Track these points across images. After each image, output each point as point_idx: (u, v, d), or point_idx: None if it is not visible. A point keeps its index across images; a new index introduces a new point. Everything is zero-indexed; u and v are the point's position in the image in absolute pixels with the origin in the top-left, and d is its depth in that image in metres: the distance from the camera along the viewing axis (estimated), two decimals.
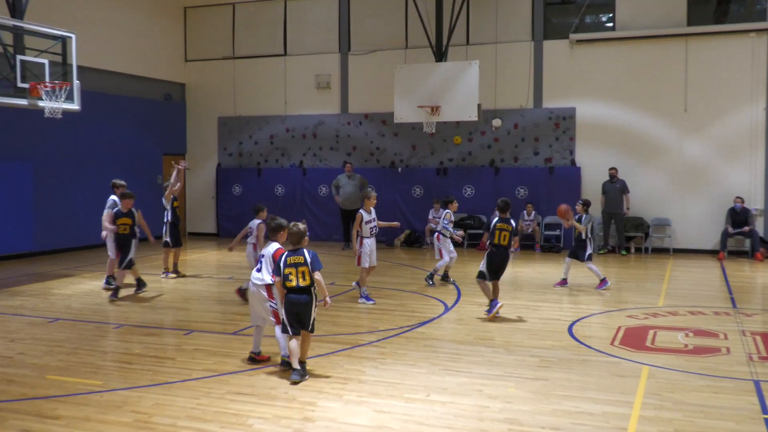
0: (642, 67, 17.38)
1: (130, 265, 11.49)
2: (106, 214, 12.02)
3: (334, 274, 14.12)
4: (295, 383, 6.90)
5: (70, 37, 12.87)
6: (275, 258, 7.29)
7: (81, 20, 16.98)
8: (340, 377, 7.15)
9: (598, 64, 17.76)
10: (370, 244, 11.14)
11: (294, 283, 7.05)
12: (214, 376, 7.20)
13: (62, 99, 12.43)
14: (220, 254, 17.50)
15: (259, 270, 7.52)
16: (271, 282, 7.38)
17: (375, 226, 11.24)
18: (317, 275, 7.07)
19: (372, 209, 11.22)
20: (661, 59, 17.24)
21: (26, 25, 12.25)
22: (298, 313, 7.06)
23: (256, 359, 7.62)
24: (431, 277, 12.51)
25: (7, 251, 15.85)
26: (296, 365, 7.05)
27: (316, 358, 7.83)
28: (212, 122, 21.33)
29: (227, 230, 20.82)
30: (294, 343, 7.11)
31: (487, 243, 10.09)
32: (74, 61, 12.88)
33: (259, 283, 7.50)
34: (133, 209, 11.71)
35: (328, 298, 7.26)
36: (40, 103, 12.28)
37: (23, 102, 12.15)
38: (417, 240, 18.64)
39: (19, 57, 12.04)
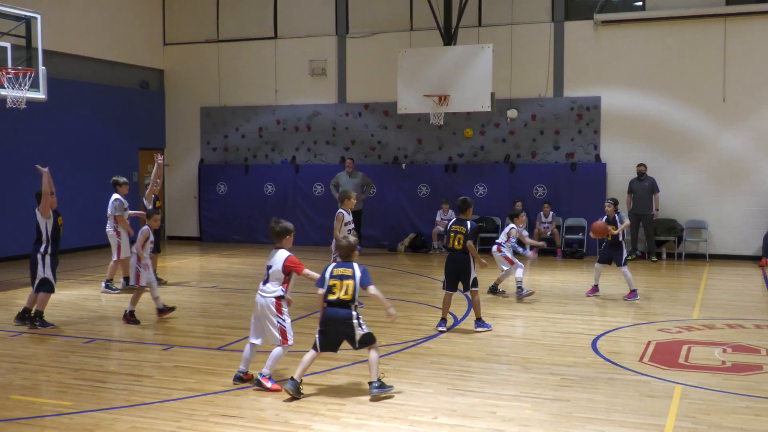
0: (675, 52, 17.43)
1: None
2: (121, 216, 12.50)
3: None
4: (289, 395, 7.09)
5: (35, 18, 12.94)
6: (287, 268, 7.41)
7: None
8: (337, 398, 7.19)
9: (625, 47, 17.80)
10: None
11: (335, 296, 7.21)
12: (197, 396, 7.23)
13: (26, 87, 12.49)
14: (204, 260, 17.56)
15: (265, 282, 7.53)
16: (282, 294, 7.42)
17: (352, 229, 11.58)
18: (372, 289, 7.29)
19: (350, 211, 11.49)
20: (696, 43, 17.28)
21: None
22: (337, 330, 7.24)
23: (243, 379, 7.65)
24: (519, 290, 12.47)
25: None
26: (298, 377, 7.22)
27: (310, 376, 7.86)
28: (194, 113, 21.40)
29: (211, 234, 20.89)
30: (309, 357, 7.28)
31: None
32: (40, 45, 12.95)
33: (267, 295, 7.48)
34: None
35: (391, 310, 7.49)
36: (2, 92, 12.34)
37: None
38: (423, 245, 18.69)
39: None
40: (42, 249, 10.11)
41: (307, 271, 7.48)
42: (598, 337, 9.65)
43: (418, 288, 13.55)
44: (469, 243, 10.01)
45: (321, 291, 7.31)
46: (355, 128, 19.94)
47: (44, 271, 10.14)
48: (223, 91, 21.10)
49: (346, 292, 7.22)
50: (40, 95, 12.99)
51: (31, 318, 10.30)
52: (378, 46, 19.44)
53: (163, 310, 10.82)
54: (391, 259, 17.40)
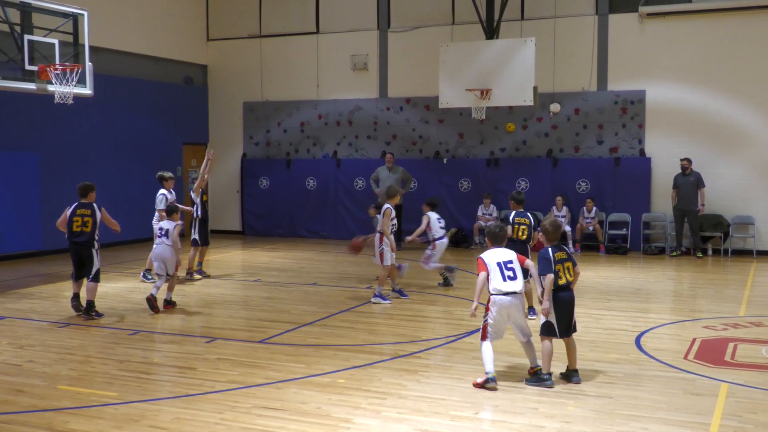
0: (723, 45, 17.12)
1: None
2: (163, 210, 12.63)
3: (372, 277, 14.17)
4: (548, 387, 7.24)
5: (82, 15, 13.13)
6: (520, 263, 7.50)
7: None
8: (378, 391, 7.20)
9: (671, 40, 17.53)
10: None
11: (564, 281, 7.32)
12: (240, 389, 7.31)
13: (73, 83, 12.69)
14: (246, 254, 17.71)
15: (513, 278, 7.37)
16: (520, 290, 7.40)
17: (395, 225, 11.91)
18: (578, 268, 7.55)
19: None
20: (744, 35, 16.95)
21: (34, 2, 12.53)
22: (570, 312, 7.40)
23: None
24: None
25: (12, 250, 16.25)
26: (547, 369, 7.32)
27: (351, 370, 7.90)
28: (237, 108, 21.58)
29: (253, 228, 21.07)
30: (550, 346, 7.35)
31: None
32: (86, 41, 13.15)
33: (519, 291, 7.39)
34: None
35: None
36: (50, 88, 12.54)
37: (32, 86, 12.43)
38: (464, 239, 18.63)
39: (27, 37, 12.32)
40: (96, 241, 10.53)
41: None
42: (642, 333, 9.54)
43: (459, 283, 13.49)
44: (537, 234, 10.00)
45: (550, 276, 7.25)
46: (396, 123, 19.93)
47: (99, 262, 10.56)
48: (265, 86, 21.23)
49: (570, 274, 7.42)
50: (87, 91, 13.18)
51: (88, 309, 10.56)
52: (420, 40, 19.40)
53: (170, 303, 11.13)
54: None
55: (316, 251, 17.52)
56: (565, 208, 17.58)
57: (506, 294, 7.33)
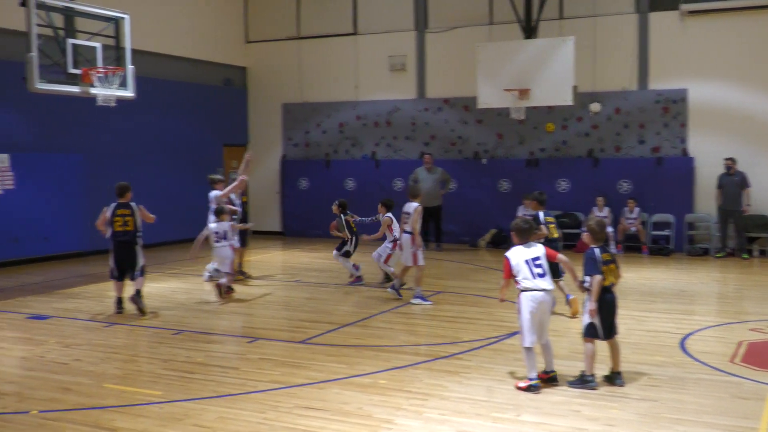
0: (766, 42, 16.82)
1: None
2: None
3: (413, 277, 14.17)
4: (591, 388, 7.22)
5: (124, 18, 13.31)
6: (551, 258, 7.49)
7: (134, 0, 17.53)
8: (419, 393, 7.21)
9: (714, 38, 17.26)
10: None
11: (608, 282, 7.31)
12: (282, 389, 7.36)
13: (116, 85, 12.88)
14: (286, 254, 17.82)
15: (542, 276, 7.35)
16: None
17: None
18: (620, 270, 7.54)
19: None
20: None
21: (77, 6, 12.73)
22: (614, 314, 7.40)
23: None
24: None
25: (58, 250, 16.53)
26: (590, 371, 7.28)
27: (392, 371, 7.92)
28: (276, 109, 21.72)
29: (293, 229, 21.18)
30: (592, 347, 7.32)
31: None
32: (128, 45, 13.32)
33: (549, 289, 7.39)
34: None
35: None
36: (93, 90, 12.74)
37: (75, 89, 12.62)
38: (504, 240, 18.51)
39: (70, 41, 12.52)
40: (140, 238, 11.05)
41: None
42: (687, 336, 9.42)
43: (499, 284, 13.42)
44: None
45: (598, 277, 7.21)
46: (434, 123, 19.90)
47: (143, 259, 11.09)
48: (304, 88, 21.34)
49: (614, 275, 7.38)
50: (129, 93, 13.36)
51: (136, 295, 10.94)
52: (457, 40, 19.35)
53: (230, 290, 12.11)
54: (472, 255, 17.32)
55: (356, 253, 17.53)
56: (606, 208, 17.41)
57: (535, 291, 7.31)
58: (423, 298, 11.53)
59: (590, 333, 7.36)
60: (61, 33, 12.61)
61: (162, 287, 13.17)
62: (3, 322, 10.52)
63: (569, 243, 17.75)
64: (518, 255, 7.44)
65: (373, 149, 20.58)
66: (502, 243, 18.46)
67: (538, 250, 7.48)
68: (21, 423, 6.52)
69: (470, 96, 18.09)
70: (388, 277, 12.94)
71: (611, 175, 17.96)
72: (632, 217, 17.31)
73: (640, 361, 8.24)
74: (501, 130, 19.16)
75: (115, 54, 13.25)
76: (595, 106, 17.97)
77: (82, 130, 16.98)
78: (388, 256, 12.77)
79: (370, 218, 13.30)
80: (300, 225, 21.11)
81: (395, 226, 12.50)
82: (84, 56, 12.71)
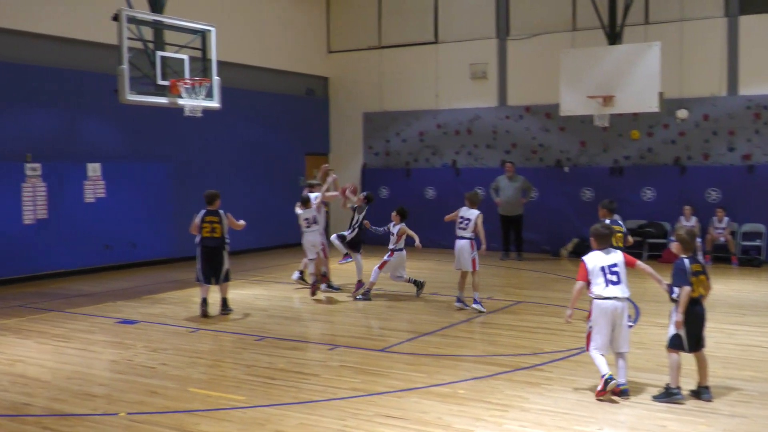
0: None
1: None
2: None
3: (493, 287, 14.09)
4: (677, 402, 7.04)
5: (210, 31, 13.63)
6: (630, 265, 7.47)
7: (219, 12, 17.97)
8: (499, 404, 7.15)
9: None
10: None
11: (697, 293, 7.17)
12: (362, 396, 7.41)
13: (202, 96, 13.20)
14: (366, 263, 17.86)
15: (617, 283, 7.33)
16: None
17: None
18: (710, 282, 7.33)
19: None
20: None
21: (166, 20, 13.11)
22: (701, 326, 7.24)
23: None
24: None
25: (146, 257, 17.03)
26: (676, 383, 7.12)
27: (472, 381, 7.88)
28: (357, 118, 21.91)
29: (373, 237, 21.24)
30: (677, 359, 7.17)
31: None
32: (214, 56, 13.63)
33: (622, 296, 7.36)
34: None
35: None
36: (180, 101, 13.07)
37: (163, 100, 12.98)
38: (587, 250, 18.19)
39: (159, 53, 12.89)
40: (227, 244, 11.55)
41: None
42: None
43: (582, 294, 13.22)
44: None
45: (687, 288, 7.07)
46: (516, 131, 19.74)
47: (228, 263, 11.59)
48: (384, 97, 21.47)
49: (704, 287, 7.22)
50: (215, 104, 13.66)
51: (223, 305, 11.57)
52: (539, 47, 19.17)
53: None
54: (554, 265, 17.09)
55: (435, 261, 17.54)
56: (693, 218, 16.93)
57: (607, 299, 7.21)
58: (481, 304, 11.58)
59: (675, 344, 7.18)
60: (151, 46, 12.99)
61: (245, 294, 13.41)
62: (94, 326, 10.89)
63: (655, 253, 17.38)
64: (595, 260, 7.40)
65: (454, 158, 20.54)
66: (584, 252, 18.08)
67: (617, 256, 7.42)
68: (110, 424, 6.74)
69: (552, 103, 17.92)
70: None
71: (699, 184, 17.47)
72: (721, 226, 16.80)
73: (729, 376, 7.99)
74: (584, 138, 18.87)
75: (201, 65, 13.57)
76: (682, 113, 17.54)
77: (170, 140, 17.48)
78: (384, 263, 12.75)
79: (383, 228, 13.23)
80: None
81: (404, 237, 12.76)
82: (172, 68, 13.05)
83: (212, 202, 11.50)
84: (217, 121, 17.38)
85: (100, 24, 14.36)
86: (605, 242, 7.51)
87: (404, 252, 12.95)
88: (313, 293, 12.91)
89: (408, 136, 21.16)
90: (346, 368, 8.46)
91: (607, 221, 10.85)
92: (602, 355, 7.29)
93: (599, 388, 7.19)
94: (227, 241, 11.54)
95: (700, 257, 13.10)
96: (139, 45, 12.82)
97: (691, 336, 7.15)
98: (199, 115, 13.47)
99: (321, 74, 22.18)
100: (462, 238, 11.74)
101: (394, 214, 13.01)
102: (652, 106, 15.62)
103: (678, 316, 7.09)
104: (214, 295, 11.77)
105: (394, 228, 12.77)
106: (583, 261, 7.46)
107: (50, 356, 9.14)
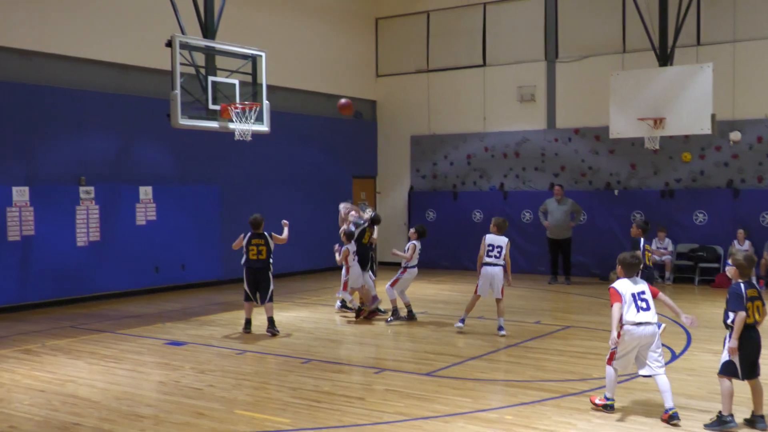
0: None
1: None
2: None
3: (541, 311, 13.95)
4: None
5: (260, 56, 13.82)
6: (653, 295, 7.54)
7: (269, 38, 18.20)
8: (547, 430, 7.05)
9: None
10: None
11: (752, 319, 7.02)
12: (407, 421, 7.36)
13: (252, 120, 13.36)
14: (412, 286, 17.82)
15: (647, 309, 7.42)
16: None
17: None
18: (767, 308, 7.14)
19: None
20: None
21: (218, 46, 13.34)
22: (757, 353, 7.08)
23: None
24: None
25: (195, 279, 17.23)
26: (728, 410, 6.99)
27: (519, 406, 7.78)
28: (404, 142, 21.97)
29: (420, 260, 21.18)
30: (730, 386, 7.03)
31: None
32: (264, 81, 13.81)
33: (653, 322, 7.44)
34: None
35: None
36: (231, 125, 13.26)
37: (214, 125, 13.18)
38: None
39: (210, 78, 13.11)
40: (272, 265, 11.91)
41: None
42: None
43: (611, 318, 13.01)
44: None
45: (742, 314, 6.93)
46: (564, 154, 19.60)
47: (273, 284, 11.93)
48: (432, 120, 21.51)
49: (759, 313, 7.06)
50: (264, 128, 13.80)
51: (270, 325, 11.80)
52: (588, 69, 19.05)
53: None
54: (603, 289, 16.79)
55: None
56: (747, 242, 16.57)
57: (638, 324, 7.36)
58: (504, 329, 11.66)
59: (728, 371, 7.01)
60: (202, 71, 13.21)
61: (291, 316, 13.47)
62: (143, 347, 11.03)
63: (707, 278, 17.04)
64: (626, 287, 7.50)
65: (501, 180, 20.45)
66: None
67: (644, 285, 7.57)
68: None
69: (602, 126, 17.78)
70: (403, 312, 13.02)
71: (753, 207, 17.11)
72: None
73: None
74: (634, 160, 18.65)
75: (251, 90, 13.76)
76: (735, 135, 17.25)
77: (219, 164, 17.71)
78: (396, 281, 12.76)
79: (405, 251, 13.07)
80: (427, 256, 21.02)
81: (416, 254, 12.73)
82: (223, 92, 13.25)
83: (258, 227, 11.90)
84: (266, 145, 17.58)
85: (153, 50, 14.65)
86: (633, 271, 7.61)
87: (416, 270, 12.93)
88: (360, 316, 12.99)
89: (455, 159, 21.14)
90: (391, 392, 8.42)
91: (642, 240, 11.24)
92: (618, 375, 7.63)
93: (599, 401, 7.63)
94: (272, 261, 11.92)
95: (754, 282, 12.81)
96: (191, 70, 13.04)
97: (745, 363, 6.98)
98: (249, 139, 13.62)
99: (369, 98, 22.33)
100: (494, 265, 11.65)
101: (412, 231, 13.05)
102: (704, 128, 15.37)
103: (732, 342, 6.93)
104: (258, 316, 11.89)
105: (413, 244, 12.77)
106: (613, 287, 7.55)
107: (100, 376, 9.28)
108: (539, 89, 19.91)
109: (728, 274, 7.29)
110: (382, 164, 22.42)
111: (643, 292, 7.48)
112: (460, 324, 11.90)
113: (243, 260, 11.93)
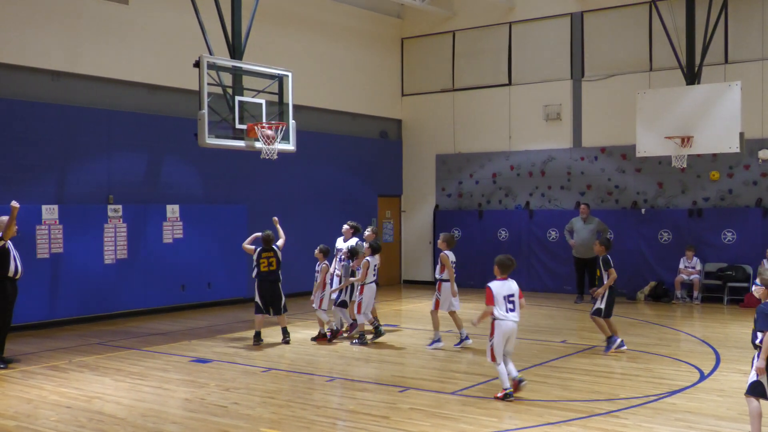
0: None
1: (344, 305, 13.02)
2: None
3: (566, 330, 13.84)
4: None
5: (287, 76, 13.92)
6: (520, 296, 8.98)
7: (296, 58, 18.38)
8: None
9: None
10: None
11: None
12: None
13: (278, 139, 13.45)
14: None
15: (513, 310, 8.86)
16: None
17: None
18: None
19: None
20: None
21: (245, 66, 13.45)
22: None
23: None
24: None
25: (221, 297, 17.31)
26: (757, 431, 6.89)
27: (545, 426, 7.71)
28: (430, 160, 21.99)
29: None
30: (758, 406, 6.90)
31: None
32: (290, 100, 13.90)
33: (517, 321, 9.01)
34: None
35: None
36: (257, 145, 13.33)
37: (241, 144, 13.27)
38: (665, 293, 17.76)
39: (237, 98, 13.22)
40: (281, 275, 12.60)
41: None
42: None
43: (659, 339, 12.88)
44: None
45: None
46: (590, 172, 19.50)
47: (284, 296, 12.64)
48: (457, 139, 21.51)
49: None
50: (290, 147, 13.86)
51: (285, 333, 12.47)
52: (615, 88, 18.98)
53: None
54: (630, 308, 16.69)
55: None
56: None
57: (508, 320, 8.77)
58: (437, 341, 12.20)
59: (755, 392, 6.89)
60: (229, 91, 13.33)
61: (314, 334, 13.45)
62: (169, 364, 11.08)
63: (736, 297, 16.83)
64: (499, 288, 8.86)
65: (527, 199, 20.37)
66: (662, 296, 17.71)
67: (514, 287, 8.92)
68: None
69: (628, 144, 17.69)
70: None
71: None
72: None
73: None
74: (661, 179, 18.51)
75: (278, 109, 13.84)
76: (764, 153, 17.06)
77: (246, 183, 17.83)
78: (359, 304, 12.36)
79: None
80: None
81: (371, 270, 12.36)
82: (249, 112, 13.34)
83: (269, 243, 12.59)
84: (292, 164, 17.67)
85: (181, 70, 14.85)
86: (507, 272, 8.91)
87: (374, 285, 12.59)
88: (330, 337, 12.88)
89: (481, 177, 21.11)
90: (416, 411, 8.37)
91: (609, 257, 11.70)
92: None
93: (499, 394, 8.75)
94: (280, 273, 12.61)
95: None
96: (218, 90, 13.16)
97: None
98: (275, 158, 13.70)
99: (394, 117, 22.40)
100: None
101: (366, 246, 12.79)
102: (733, 146, 15.24)
103: (760, 363, 6.81)
104: (266, 329, 12.15)
105: (362, 262, 12.54)
106: (488, 287, 8.81)
107: (126, 393, 9.33)
108: (565, 108, 19.86)
109: (755, 294, 7.18)
110: (408, 183, 22.44)
111: (512, 295, 8.85)
112: (438, 344, 12.19)
113: (254, 273, 12.51)
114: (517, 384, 8.85)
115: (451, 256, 12.17)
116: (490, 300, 8.78)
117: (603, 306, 11.59)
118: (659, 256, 18.20)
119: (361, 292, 12.35)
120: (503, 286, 8.89)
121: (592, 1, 19.52)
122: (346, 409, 8.49)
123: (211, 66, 12.72)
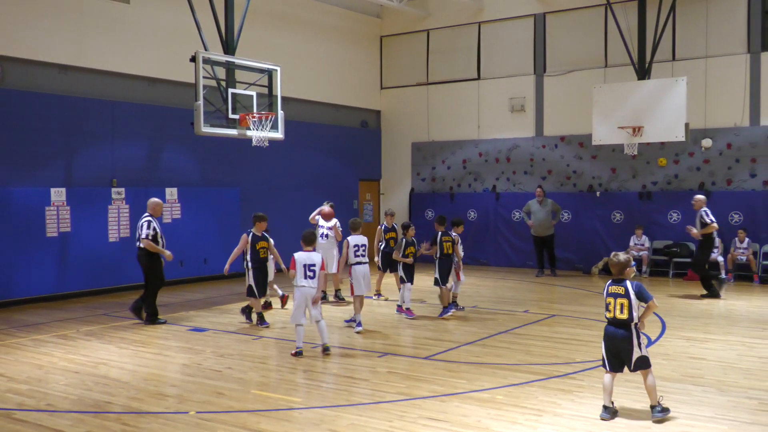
0: None
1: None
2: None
3: (528, 301, 13.93)
4: (604, 420, 6.68)
5: (275, 70, 13.83)
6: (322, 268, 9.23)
7: (284, 53, 18.25)
8: (534, 409, 7.03)
9: None
10: (360, 270, 11.11)
11: (612, 315, 6.80)
12: (407, 400, 7.35)
13: (268, 128, 13.38)
14: (421, 280, 17.82)
15: (312, 278, 9.20)
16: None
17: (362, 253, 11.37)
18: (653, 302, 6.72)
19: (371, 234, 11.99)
20: None
21: (237, 61, 13.34)
22: (617, 348, 6.81)
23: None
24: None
25: (216, 271, 17.16)
26: (607, 403, 6.79)
27: (508, 387, 7.77)
28: (406, 148, 21.95)
29: (420, 256, 21.20)
30: (608, 380, 6.84)
31: (436, 255, 12.37)
32: (279, 93, 13.82)
33: (313, 287, 9.27)
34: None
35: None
36: (249, 133, 13.28)
37: (234, 132, 13.20)
38: None
39: (230, 90, 13.13)
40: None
41: None
42: None
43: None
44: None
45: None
46: (551, 159, 19.56)
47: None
48: (431, 128, 21.48)
49: (621, 311, 6.73)
50: (279, 135, 13.81)
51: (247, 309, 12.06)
52: (573, 82, 19.02)
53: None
54: (586, 281, 16.83)
55: (476, 277, 17.41)
56: (717, 239, 16.50)
57: (303, 287, 9.14)
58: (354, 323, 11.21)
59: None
60: (223, 84, 13.23)
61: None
62: (169, 333, 11.04)
63: (680, 272, 17.00)
64: (302, 258, 9.16)
65: (494, 183, 20.42)
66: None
67: (317, 258, 9.24)
68: (181, 422, 6.80)
69: (585, 133, 17.77)
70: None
71: (722, 208, 17.04)
72: (743, 247, 16.36)
73: (751, 386, 7.73)
74: (615, 165, 18.62)
75: (267, 101, 13.77)
76: (706, 142, 17.20)
77: (239, 168, 17.72)
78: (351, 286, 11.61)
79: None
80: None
81: (351, 250, 11.26)
82: (241, 103, 13.27)
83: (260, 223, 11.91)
84: (280, 151, 17.58)
85: (179, 65, 14.72)
86: (310, 244, 9.30)
87: (360, 266, 11.28)
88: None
89: (452, 163, 21.12)
90: (393, 374, 8.41)
91: (440, 234, 12.19)
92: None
93: (293, 352, 9.25)
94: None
95: (723, 274, 12.76)
96: (213, 83, 13.06)
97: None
98: (266, 145, 13.63)
99: (374, 108, 22.32)
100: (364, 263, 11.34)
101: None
102: (679, 135, 15.36)
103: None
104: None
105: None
106: (293, 256, 9.16)
107: (129, 359, 9.29)
108: (528, 100, 19.88)
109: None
110: (386, 168, 22.41)
111: (313, 265, 9.14)
112: (358, 328, 11.02)
113: (252, 259, 11.54)
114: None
115: (352, 241, 11.28)
116: (293, 266, 9.15)
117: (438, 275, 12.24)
118: (612, 234, 18.34)
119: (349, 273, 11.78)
120: (307, 257, 9.20)
121: (554, 3, 19.51)
122: (330, 373, 8.51)
123: (206, 61, 12.61)
